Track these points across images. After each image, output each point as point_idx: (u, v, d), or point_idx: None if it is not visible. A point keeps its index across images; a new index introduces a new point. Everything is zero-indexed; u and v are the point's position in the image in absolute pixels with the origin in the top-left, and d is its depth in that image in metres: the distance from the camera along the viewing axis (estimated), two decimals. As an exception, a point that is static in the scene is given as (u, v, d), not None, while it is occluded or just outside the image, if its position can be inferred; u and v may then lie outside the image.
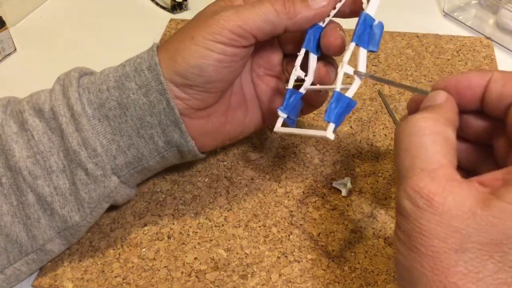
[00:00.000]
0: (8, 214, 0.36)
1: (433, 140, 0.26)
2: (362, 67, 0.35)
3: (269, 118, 0.43)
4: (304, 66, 0.39)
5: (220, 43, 0.36)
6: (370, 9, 0.35)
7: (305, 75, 0.39)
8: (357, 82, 0.35)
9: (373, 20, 0.35)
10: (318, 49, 0.38)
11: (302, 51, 0.38)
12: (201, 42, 0.36)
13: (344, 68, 0.35)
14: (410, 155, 0.26)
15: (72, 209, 0.37)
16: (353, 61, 0.35)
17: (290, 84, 0.39)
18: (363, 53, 0.35)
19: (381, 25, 0.36)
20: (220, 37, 0.35)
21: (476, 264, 0.24)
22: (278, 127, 0.39)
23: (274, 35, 0.37)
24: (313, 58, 0.38)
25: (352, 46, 0.35)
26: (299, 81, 0.39)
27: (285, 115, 0.38)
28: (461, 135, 0.31)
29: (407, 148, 0.27)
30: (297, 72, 0.39)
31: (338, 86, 0.35)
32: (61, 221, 0.37)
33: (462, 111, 0.30)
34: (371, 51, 0.36)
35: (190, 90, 0.37)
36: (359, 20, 0.35)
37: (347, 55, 0.35)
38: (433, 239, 0.24)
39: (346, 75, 0.36)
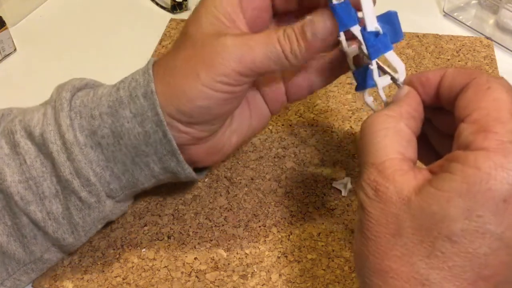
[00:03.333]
0: (3, 234, 0.36)
1: (383, 135, 0.28)
2: (400, 69, 0.33)
3: (276, 106, 0.41)
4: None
5: (228, 84, 0.34)
6: (368, 22, 0.32)
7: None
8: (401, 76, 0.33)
9: (376, 29, 0.32)
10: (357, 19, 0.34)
11: (373, 64, 0.34)
12: (208, 83, 0.33)
13: (380, 92, 0.34)
14: (365, 151, 0.29)
15: (65, 232, 0.36)
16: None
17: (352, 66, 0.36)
18: (391, 55, 0.33)
19: (391, 14, 0.33)
20: (228, 80, 0.33)
21: (410, 248, 0.25)
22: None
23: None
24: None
25: (374, 64, 0.33)
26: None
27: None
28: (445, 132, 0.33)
29: (363, 145, 0.29)
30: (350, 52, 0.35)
31: (383, 97, 0.34)
32: (55, 241, 0.37)
33: (433, 107, 0.31)
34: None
35: (195, 126, 0.36)
36: (364, 40, 0.32)
37: (375, 75, 0.33)
38: (377, 225, 0.26)
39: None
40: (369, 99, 0.37)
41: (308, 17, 0.33)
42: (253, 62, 0.33)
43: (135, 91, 0.35)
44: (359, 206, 0.28)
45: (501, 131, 0.25)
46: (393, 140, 0.28)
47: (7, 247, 0.36)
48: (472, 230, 0.24)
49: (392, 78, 0.33)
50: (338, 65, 0.38)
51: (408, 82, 0.32)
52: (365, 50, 0.34)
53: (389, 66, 0.33)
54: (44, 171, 0.35)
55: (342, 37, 0.34)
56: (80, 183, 0.35)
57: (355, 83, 0.38)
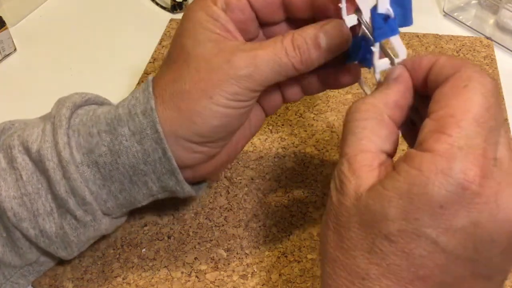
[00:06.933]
0: None
1: (362, 126, 0.27)
2: (402, 54, 0.31)
3: (271, 108, 0.40)
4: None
5: (241, 101, 0.34)
6: (381, 2, 0.30)
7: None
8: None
9: (387, 12, 0.30)
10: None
11: (376, 47, 0.31)
12: (222, 102, 0.33)
13: (377, 76, 0.32)
14: (344, 140, 0.28)
15: (58, 247, 0.36)
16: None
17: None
18: (395, 40, 0.31)
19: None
20: (241, 97, 0.34)
21: (355, 242, 0.26)
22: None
23: None
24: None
25: (377, 47, 0.31)
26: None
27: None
28: None
29: (344, 133, 0.28)
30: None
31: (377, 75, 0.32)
32: (48, 253, 0.37)
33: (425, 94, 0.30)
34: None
35: (210, 144, 0.36)
36: (372, 21, 0.31)
37: (376, 58, 0.32)
38: (336, 216, 0.27)
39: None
40: (366, 86, 0.36)
41: (323, 26, 0.33)
42: (263, 78, 0.33)
43: (134, 109, 0.34)
44: (329, 194, 0.28)
45: (456, 135, 0.24)
46: (371, 133, 0.27)
47: (2, 257, 0.36)
48: (408, 231, 0.24)
49: (392, 63, 0.32)
50: (341, 73, 0.37)
51: (404, 65, 0.30)
52: (365, 22, 0.33)
53: (390, 48, 0.32)
54: (40, 187, 0.35)
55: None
56: (75, 202, 0.35)
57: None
